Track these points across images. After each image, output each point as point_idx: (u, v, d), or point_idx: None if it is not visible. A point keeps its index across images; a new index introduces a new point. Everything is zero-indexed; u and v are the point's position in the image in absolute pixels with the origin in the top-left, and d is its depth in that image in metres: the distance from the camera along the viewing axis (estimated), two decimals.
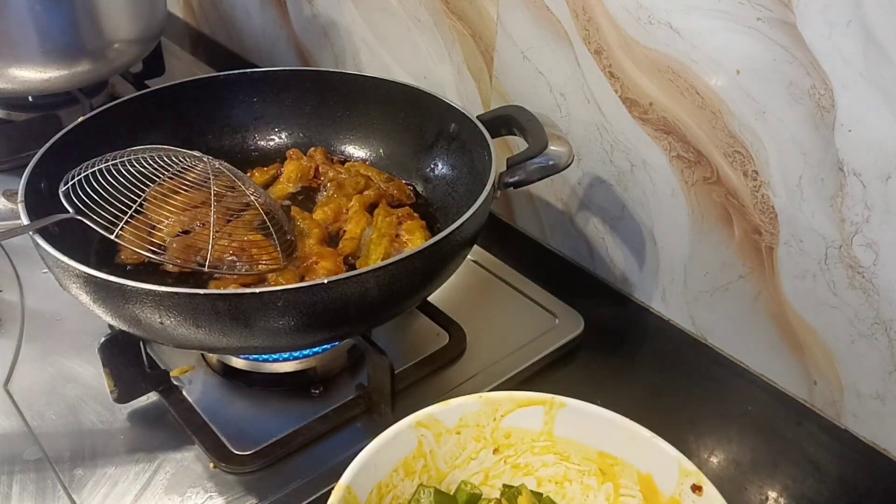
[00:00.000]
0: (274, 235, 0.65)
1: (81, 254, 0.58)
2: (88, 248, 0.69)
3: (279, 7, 1.15)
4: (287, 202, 0.76)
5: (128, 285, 0.52)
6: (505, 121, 0.71)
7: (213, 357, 0.69)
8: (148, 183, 0.64)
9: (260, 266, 0.65)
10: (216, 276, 0.65)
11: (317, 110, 0.83)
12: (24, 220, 0.58)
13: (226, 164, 0.67)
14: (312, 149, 0.81)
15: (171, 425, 0.64)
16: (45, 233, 0.58)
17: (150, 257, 0.62)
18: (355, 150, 0.83)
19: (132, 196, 0.63)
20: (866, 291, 0.62)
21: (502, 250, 0.84)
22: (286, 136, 0.84)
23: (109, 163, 0.64)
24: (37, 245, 0.57)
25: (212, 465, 0.61)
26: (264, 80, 0.82)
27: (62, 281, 0.57)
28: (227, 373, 0.68)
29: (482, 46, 0.85)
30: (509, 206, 0.91)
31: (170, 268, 0.67)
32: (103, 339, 0.61)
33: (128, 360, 0.63)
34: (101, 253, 0.69)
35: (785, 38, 0.59)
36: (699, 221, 0.71)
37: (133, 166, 0.64)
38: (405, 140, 0.80)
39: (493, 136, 0.69)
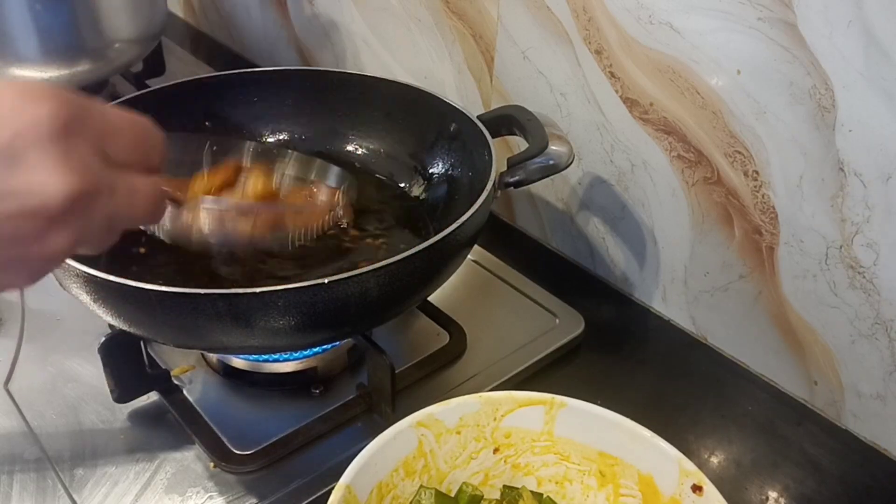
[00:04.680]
0: None
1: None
2: None
3: (280, 7, 1.15)
4: None
5: (128, 285, 0.52)
6: (505, 120, 0.71)
7: (213, 357, 0.69)
8: None
9: None
10: None
11: (317, 110, 0.83)
12: None
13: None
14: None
15: (171, 425, 0.64)
16: None
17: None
18: (355, 150, 0.83)
19: None
20: (867, 291, 0.62)
21: (502, 250, 0.84)
22: (286, 136, 0.84)
23: None
24: None
25: (212, 464, 0.61)
26: (264, 80, 0.82)
27: (62, 281, 0.57)
28: (228, 373, 0.68)
29: (483, 46, 0.85)
30: (509, 206, 0.91)
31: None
32: (103, 339, 0.61)
33: (128, 360, 0.63)
34: (102, 252, 0.69)
35: (785, 38, 0.59)
36: (700, 221, 0.71)
37: None
38: (405, 140, 0.80)
39: (493, 136, 0.69)
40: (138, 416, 0.65)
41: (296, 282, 0.52)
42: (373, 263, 0.54)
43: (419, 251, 0.56)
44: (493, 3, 0.81)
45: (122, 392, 0.64)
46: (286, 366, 0.67)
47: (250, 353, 0.66)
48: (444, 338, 0.72)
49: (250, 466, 0.61)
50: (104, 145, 0.36)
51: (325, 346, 0.67)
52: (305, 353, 0.66)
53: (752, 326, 0.71)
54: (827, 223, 0.62)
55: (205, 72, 1.18)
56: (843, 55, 0.56)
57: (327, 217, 0.62)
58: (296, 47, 1.16)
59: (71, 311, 0.73)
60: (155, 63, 1.10)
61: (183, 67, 1.18)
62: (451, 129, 0.75)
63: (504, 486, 0.54)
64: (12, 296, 0.76)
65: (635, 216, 0.77)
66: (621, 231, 0.79)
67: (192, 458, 0.62)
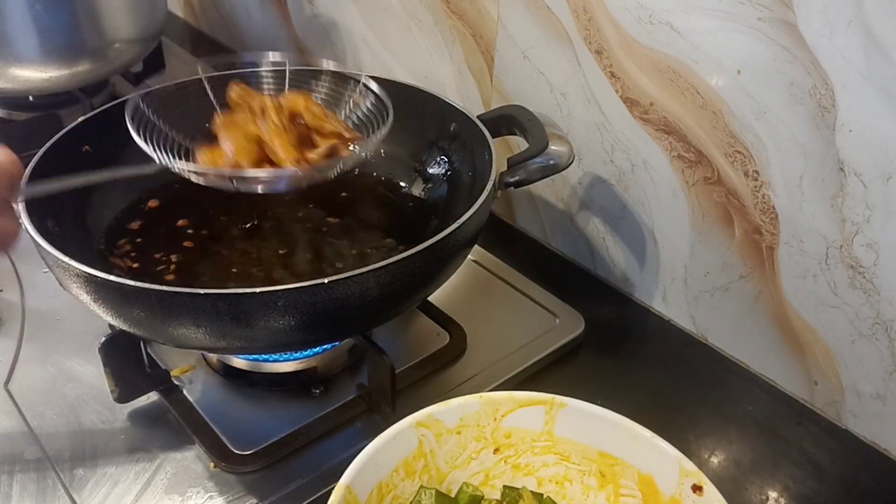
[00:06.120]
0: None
1: (82, 253, 0.58)
2: (90, 247, 0.69)
3: (280, 6, 1.15)
4: None
5: (128, 285, 0.52)
6: (505, 120, 0.71)
7: (213, 357, 0.69)
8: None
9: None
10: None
11: None
12: (25, 221, 0.58)
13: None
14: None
15: (171, 425, 0.64)
16: (45, 232, 0.58)
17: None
18: (355, 150, 0.83)
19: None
20: (867, 291, 0.62)
21: (503, 250, 0.84)
22: None
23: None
24: (37, 244, 0.57)
25: (212, 464, 0.61)
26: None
27: (62, 281, 0.57)
28: (228, 373, 0.68)
29: (483, 46, 0.85)
30: (510, 205, 0.91)
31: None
32: (104, 339, 0.61)
33: (128, 360, 0.63)
34: (102, 252, 0.70)
35: (786, 37, 0.59)
36: (700, 221, 0.71)
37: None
38: (406, 140, 0.80)
39: (493, 136, 0.69)
40: (138, 416, 0.65)
41: (295, 282, 0.52)
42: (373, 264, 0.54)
43: (419, 251, 0.56)
44: (493, 3, 0.81)
45: (122, 392, 0.64)
46: (286, 366, 0.67)
47: (250, 353, 0.66)
48: (444, 338, 0.72)
49: (250, 466, 0.61)
50: None
51: (325, 346, 0.67)
52: (305, 353, 0.66)
53: (752, 326, 0.71)
54: (827, 223, 0.62)
55: (205, 71, 1.18)
56: (843, 55, 0.56)
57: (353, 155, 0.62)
58: (296, 47, 1.16)
59: (71, 311, 0.73)
60: (155, 63, 1.10)
61: (183, 67, 1.18)
62: (452, 129, 0.75)
63: (504, 487, 0.54)
64: (12, 296, 0.76)
65: (635, 216, 0.77)
66: (621, 231, 0.79)
67: (192, 458, 0.62)
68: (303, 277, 0.52)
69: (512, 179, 0.66)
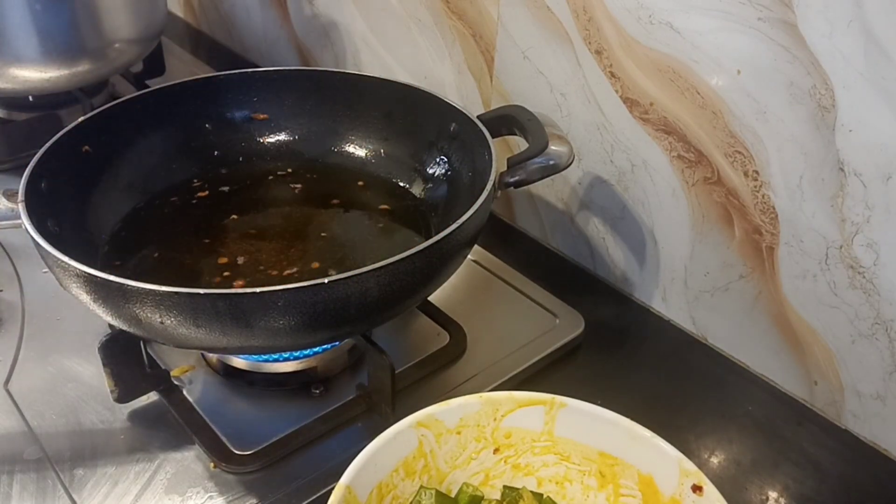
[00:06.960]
0: None
1: (82, 253, 0.58)
2: (89, 247, 0.69)
3: (279, 7, 1.15)
4: None
5: (128, 285, 0.52)
6: (505, 120, 0.71)
7: (213, 357, 0.69)
8: None
9: None
10: None
11: (317, 110, 0.83)
12: (25, 221, 0.58)
13: None
14: None
15: (171, 425, 0.64)
16: (45, 232, 0.58)
17: None
18: (355, 150, 0.83)
19: None
20: (867, 291, 0.62)
21: (503, 250, 0.84)
22: (286, 136, 0.84)
23: None
24: (37, 244, 0.57)
25: (212, 464, 0.61)
26: (264, 79, 0.82)
27: (62, 281, 0.57)
28: (228, 373, 0.68)
29: (483, 46, 0.85)
30: (510, 206, 0.91)
31: None
32: (103, 339, 0.61)
33: (128, 360, 0.63)
34: (102, 252, 0.70)
35: (786, 37, 0.59)
36: (700, 221, 0.71)
37: None
38: (405, 140, 0.80)
39: (493, 136, 0.69)
40: (138, 416, 0.65)
41: (296, 282, 0.52)
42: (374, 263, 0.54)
43: (419, 251, 0.56)
44: (493, 3, 0.81)
45: (123, 392, 0.64)
46: (286, 366, 0.67)
47: (250, 353, 0.66)
48: (444, 338, 0.72)
49: (250, 466, 0.61)
50: None
51: (325, 346, 0.67)
52: (305, 353, 0.66)
53: (752, 326, 0.71)
54: (827, 223, 0.62)
55: (205, 72, 1.18)
56: (843, 55, 0.56)
57: None
58: (296, 47, 1.16)
59: (71, 312, 0.73)
60: (155, 63, 1.10)
61: (183, 67, 1.18)
62: (451, 129, 0.75)
63: (504, 487, 0.54)
64: (12, 296, 0.76)
65: (635, 216, 0.77)
66: (621, 231, 0.79)
67: (192, 458, 0.62)
68: (303, 277, 0.52)
69: (512, 179, 0.66)
